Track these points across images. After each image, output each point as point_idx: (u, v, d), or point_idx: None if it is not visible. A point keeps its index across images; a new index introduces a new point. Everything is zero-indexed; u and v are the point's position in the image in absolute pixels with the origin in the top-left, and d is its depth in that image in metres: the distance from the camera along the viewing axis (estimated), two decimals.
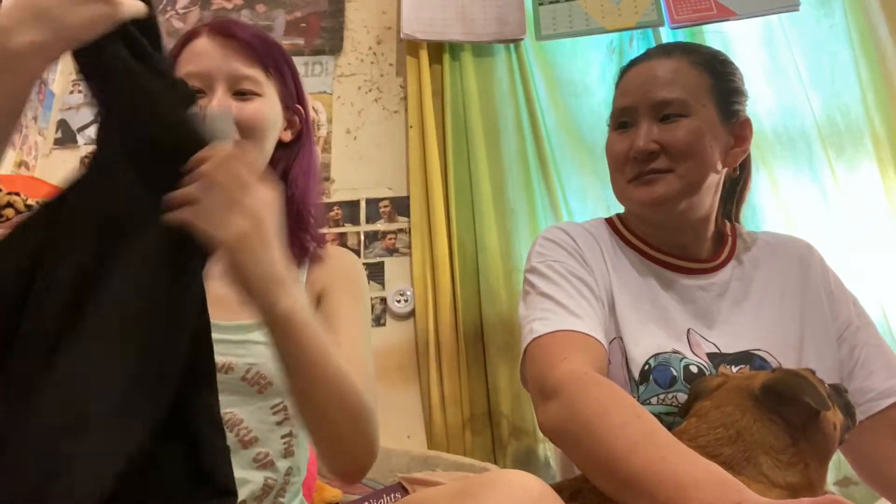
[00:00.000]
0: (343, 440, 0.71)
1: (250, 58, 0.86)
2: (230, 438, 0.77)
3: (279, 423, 0.82)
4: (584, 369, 0.75)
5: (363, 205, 1.99)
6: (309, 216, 0.91)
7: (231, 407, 0.78)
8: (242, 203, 0.60)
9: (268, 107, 0.86)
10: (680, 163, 0.89)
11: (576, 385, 0.73)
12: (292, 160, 0.93)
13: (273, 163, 0.91)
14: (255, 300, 0.62)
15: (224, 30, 0.86)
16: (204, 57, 0.84)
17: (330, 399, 0.68)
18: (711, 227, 0.97)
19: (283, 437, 0.82)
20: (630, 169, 0.93)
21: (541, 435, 1.67)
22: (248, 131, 0.82)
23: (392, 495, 1.38)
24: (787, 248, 1.00)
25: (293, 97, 0.92)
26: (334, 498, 1.45)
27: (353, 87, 2.11)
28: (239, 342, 0.80)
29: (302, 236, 0.90)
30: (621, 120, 0.96)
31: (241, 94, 0.84)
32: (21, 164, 1.98)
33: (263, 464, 0.80)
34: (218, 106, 0.81)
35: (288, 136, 0.93)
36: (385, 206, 1.99)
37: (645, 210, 0.94)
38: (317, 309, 0.87)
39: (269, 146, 0.89)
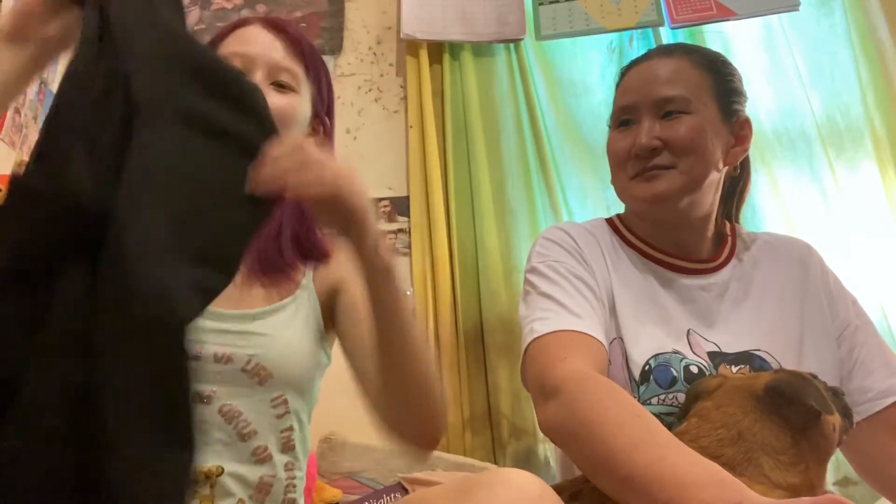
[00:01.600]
0: (428, 397, 0.75)
1: (295, 53, 0.87)
2: (229, 431, 0.78)
3: (279, 417, 0.82)
4: (584, 369, 0.75)
5: None
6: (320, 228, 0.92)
7: (230, 399, 0.78)
8: (328, 164, 0.62)
9: (300, 104, 0.88)
10: (682, 159, 0.89)
11: (576, 385, 0.73)
12: None
13: None
14: (366, 242, 0.65)
15: (276, 24, 0.89)
16: (250, 42, 0.86)
17: (418, 352, 0.72)
18: (712, 226, 0.97)
19: (282, 430, 0.82)
20: (632, 166, 0.93)
21: (541, 435, 1.67)
22: (277, 122, 0.83)
23: (392, 495, 1.38)
24: (786, 249, 1.00)
25: (323, 106, 0.94)
26: (334, 498, 1.45)
27: (353, 87, 2.11)
28: (239, 333, 0.79)
29: (312, 238, 0.91)
30: (623, 118, 0.96)
31: (278, 86, 0.85)
32: (21, 164, 1.98)
33: (261, 458, 0.80)
34: None
35: None
36: (385, 206, 1.99)
37: (646, 207, 0.94)
38: (333, 301, 0.89)
39: None
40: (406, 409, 0.75)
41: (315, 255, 0.91)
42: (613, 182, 0.99)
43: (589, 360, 0.79)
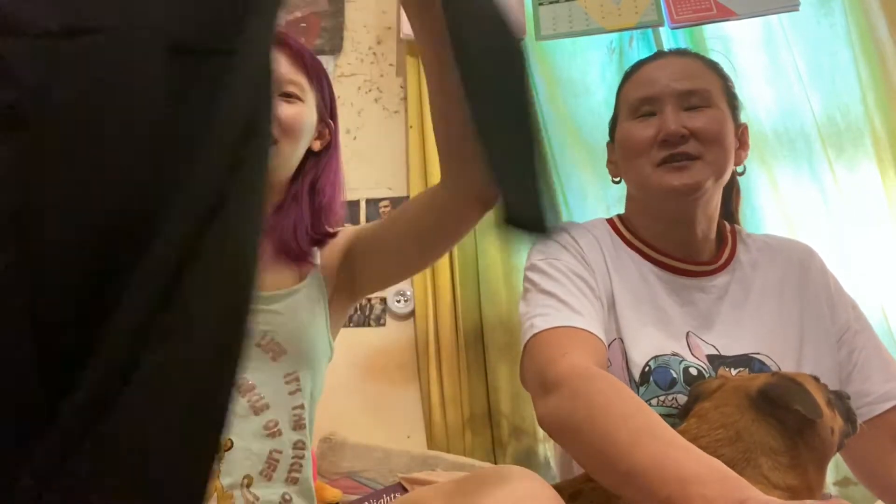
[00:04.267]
0: None
1: (298, 65, 0.94)
2: (242, 404, 0.81)
3: (292, 393, 0.85)
4: (585, 364, 0.75)
5: (363, 205, 1.99)
6: (332, 221, 0.99)
7: (244, 373, 0.80)
8: None
9: (307, 112, 0.95)
10: (709, 148, 0.89)
11: (578, 379, 0.73)
12: (321, 170, 1.00)
13: (303, 170, 0.99)
14: None
15: (277, 38, 0.93)
16: None
17: None
18: (715, 227, 0.98)
19: (294, 407, 0.85)
20: (657, 152, 0.91)
21: (541, 435, 1.67)
22: (287, 130, 0.91)
23: (392, 495, 1.38)
24: (786, 251, 1.00)
25: (327, 110, 1.01)
26: (334, 498, 1.45)
27: (353, 87, 2.11)
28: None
29: (321, 238, 0.97)
30: (644, 109, 0.94)
31: (286, 96, 0.92)
32: None
33: (273, 432, 0.83)
34: None
35: (318, 146, 1.00)
36: (385, 206, 1.99)
37: (672, 196, 0.91)
38: (351, 254, 0.95)
39: (301, 149, 0.96)
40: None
41: (325, 242, 0.98)
42: (630, 172, 0.97)
43: (589, 356, 0.79)
